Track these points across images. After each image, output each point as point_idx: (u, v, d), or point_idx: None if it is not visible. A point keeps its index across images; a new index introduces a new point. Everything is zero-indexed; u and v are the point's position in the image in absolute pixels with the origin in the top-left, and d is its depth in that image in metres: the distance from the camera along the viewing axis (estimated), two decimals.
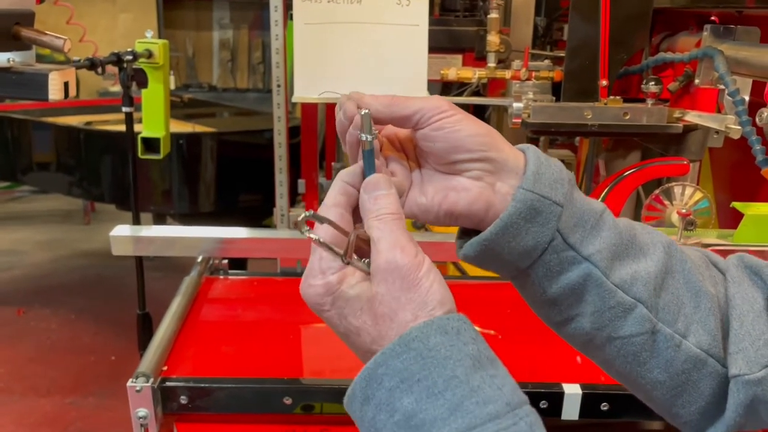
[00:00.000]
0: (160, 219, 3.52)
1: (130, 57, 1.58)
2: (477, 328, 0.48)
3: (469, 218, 0.54)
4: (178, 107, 4.04)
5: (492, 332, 1.27)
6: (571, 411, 1.02)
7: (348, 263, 0.48)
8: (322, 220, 0.49)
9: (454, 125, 0.52)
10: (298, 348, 1.14)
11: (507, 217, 0.51)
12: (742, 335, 0.54)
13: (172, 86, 5.72)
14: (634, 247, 0.55)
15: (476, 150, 0.52)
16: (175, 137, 2.95)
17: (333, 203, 0.51)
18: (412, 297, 0.46)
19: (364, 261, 0.49)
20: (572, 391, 1.02)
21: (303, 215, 0.48)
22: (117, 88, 1.91)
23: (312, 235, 0.48)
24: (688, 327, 0.55)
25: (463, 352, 0.44)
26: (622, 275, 0.54)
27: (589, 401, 1.02)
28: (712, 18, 1.38)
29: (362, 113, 0.51)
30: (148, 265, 1.64)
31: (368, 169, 0.51)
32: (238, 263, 2.58)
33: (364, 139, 0.51)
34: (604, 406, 1.02)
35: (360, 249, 0.49)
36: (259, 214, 3.15)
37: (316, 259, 0.49)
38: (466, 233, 0.56)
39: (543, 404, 1.02)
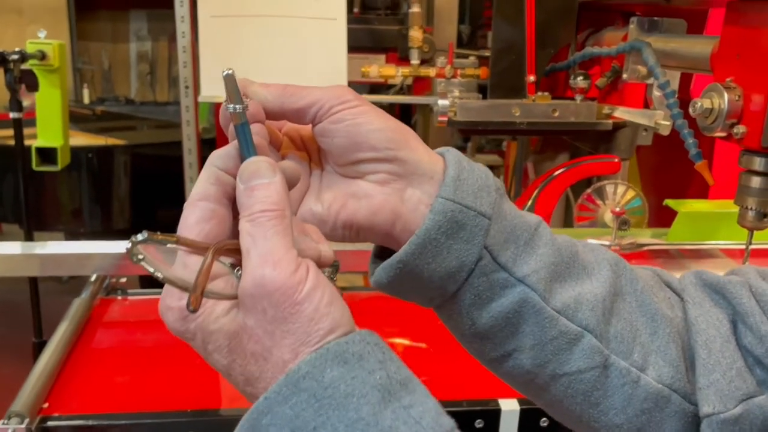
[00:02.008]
0: (72, 238, 3.31)
1: (16, 57, 1.43)
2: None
3: (372, 232, 0.45)
4: (90, 121, 3.83)
5: (423, 345, 1.18)
6: (509, 429, 0.94)
7: (194, 311, 0.36)
8: (165, 240, 0.36)
9: (356, 117, 0.42)
10: (207, 376, 1.02)
11: (424, 232, 0.42)
12: (711, 365, 0.46)
13: (86, 100, 5.46)
14: (577, 265, 0.47)
15: (382, 148, 0.43)
16: (85, 151, 2.78)
17: (200, 196, 0.39)
18: (291, 328, 0.36)
19: (238, 271, 0.38)
20: (509, 407, 0.94)
21: (132, 238, 0.35)
22: (27, 101, 1.74)
23: (147, 266, 0.35)
24: (645, 358, 0.47)
25: (369, 384, 0.35)
26: (564, 299, 0.45)
27: (527, 417, 0.94)
28: (637, 12, 1.35)
29: (225, 74, 0.39)
30: (62, 288, 1.48)
31: (245, 150, 0.39)
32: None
33: (232, 110, 0.39)
34: (544, 422, 0.94)
35: (239, 259, 0.38)
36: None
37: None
38: (381, 255, 0.47)
39: (479, 423, 0.94)
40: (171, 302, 0.38)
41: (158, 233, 0.36)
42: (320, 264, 0.40)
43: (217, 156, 0.41)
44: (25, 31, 5.59)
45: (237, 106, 0.39)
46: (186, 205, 0.40)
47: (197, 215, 0.39)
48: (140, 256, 0.35)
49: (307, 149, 0.46)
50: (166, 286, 0.38)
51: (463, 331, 0.47)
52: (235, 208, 0.40)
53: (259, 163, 0.39)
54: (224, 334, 0.37)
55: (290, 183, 0.41)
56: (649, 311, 0.48)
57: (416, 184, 0.44)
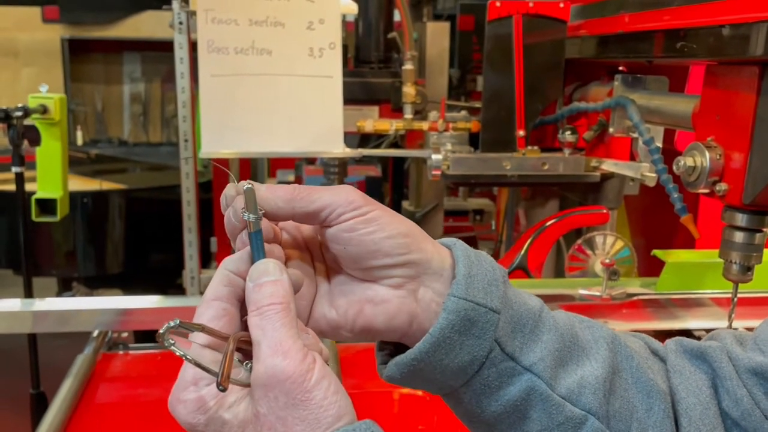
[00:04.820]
0: (65, 283, 3.29)
1: (20, 113, 1.46)
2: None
3: (390, 334, 0.47)
4: (84, 164, 3.85)
5: (419, 392, 1.20)
6: None
7: (224, 390, 0.39)
8: (193, 327, 0.41)
9: (368, 226, 0.44)
10: None
11: (438, 331, 0.44)
12: None
13: (79, 142, 5.50)
14: (577, 348, 0.49)
15: (396, 254, 0.45)
16: (80, 196, 2.79)
17: (213, 296, 0.43)
18: (301, 415, 0.38)
19: (247, 365, 0.41)
20: None
21: (166, 325, 0.39)
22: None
23: (178, 351, 0.39)
24: None
25: None
26: (569, 384, 0.47)
27: None
28: (621, 68, 1.40)
29: (245, 188, 0.43)
30: (58, 335, 1.47)
31: (256, 254, 0.43)
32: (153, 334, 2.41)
33: (247, 219, 0.43)
34: None
35: (247, 352, 0.42)
36: (173, 274, 2.99)
37: (188, 365, 0.41)
38: (387, 343, 0.49)
39: None
40: (183, 395, 0.40)
41: (187, 321, 0.41)
42: None
43: (230, 261, 0.44)
44: (19, 74, 5.67)
45: (252, 216, 0.43)
46: (200, 304, 0.43)
47: (211, 313, 0.42)
48: (171, 341, 0.39)
49: (309, 248, 0.48)
50: (177, 382, 0.41)
51: (471, 418, 0.49)
52: (243, 308, 0.43)
53: (267, 263, 0.42)
54: (238, 423, 0.40)
55: (294, 288, 0.43)
56: (645, 388, 0.50)
57: (427, 283, 0.45)
